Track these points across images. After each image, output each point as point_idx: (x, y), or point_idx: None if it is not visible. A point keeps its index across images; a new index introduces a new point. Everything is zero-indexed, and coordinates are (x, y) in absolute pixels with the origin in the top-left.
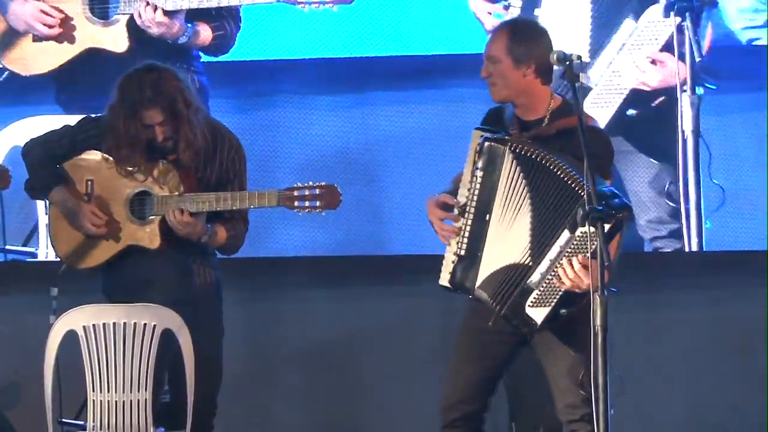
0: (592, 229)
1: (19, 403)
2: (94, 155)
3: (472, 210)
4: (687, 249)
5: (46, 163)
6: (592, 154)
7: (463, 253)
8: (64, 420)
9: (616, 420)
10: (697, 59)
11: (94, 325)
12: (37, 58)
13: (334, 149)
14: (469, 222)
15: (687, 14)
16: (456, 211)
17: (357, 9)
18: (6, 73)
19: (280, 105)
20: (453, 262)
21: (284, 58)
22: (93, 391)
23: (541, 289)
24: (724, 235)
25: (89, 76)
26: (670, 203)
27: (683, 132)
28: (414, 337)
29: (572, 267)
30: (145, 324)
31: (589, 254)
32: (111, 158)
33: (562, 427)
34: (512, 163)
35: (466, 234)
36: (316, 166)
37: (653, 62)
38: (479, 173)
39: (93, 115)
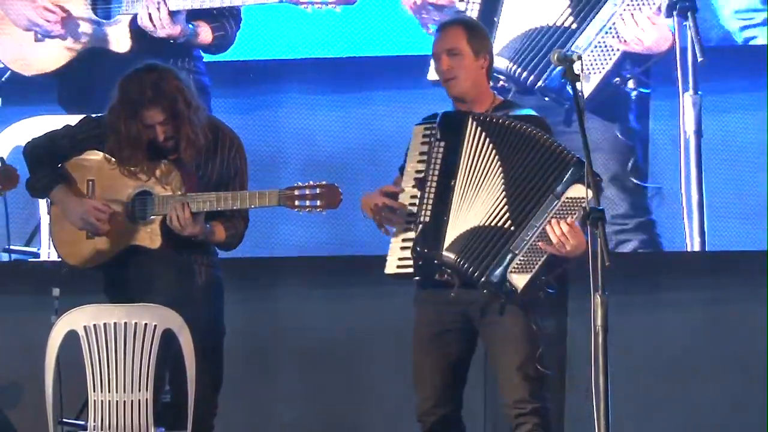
0: (581, 194)
1: (20, 402)
2: (95, 155)
3: (435, 179)
4: (689, 249)
5: (47, 162)
6: None
7: (427, 219)
8: (64, 420)
9: (616, 420)
10: (700, 59)
11: (95, 325)
12: (39, 59)
13: (337, 149)
14: (432, 189)
15: (689, 14)
16: (404, 195)
17: (360, 9)
18: (8, 72)
19: (283, 105)
20: (401, 248)
21: (287, 58)
22: (94, 391)
23: (525, 254)
24: (726, 236)
25: (91, 76)
26: (635, 180)
27: (685, 132)
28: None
29: (560, 228)
30: (146, 324)
31: (575, 219)
32: (113, 158)
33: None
34: (476, 128)
35: (430, 201)
36: (319, 165)
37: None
38: (439, 144)
39: (94, 115)
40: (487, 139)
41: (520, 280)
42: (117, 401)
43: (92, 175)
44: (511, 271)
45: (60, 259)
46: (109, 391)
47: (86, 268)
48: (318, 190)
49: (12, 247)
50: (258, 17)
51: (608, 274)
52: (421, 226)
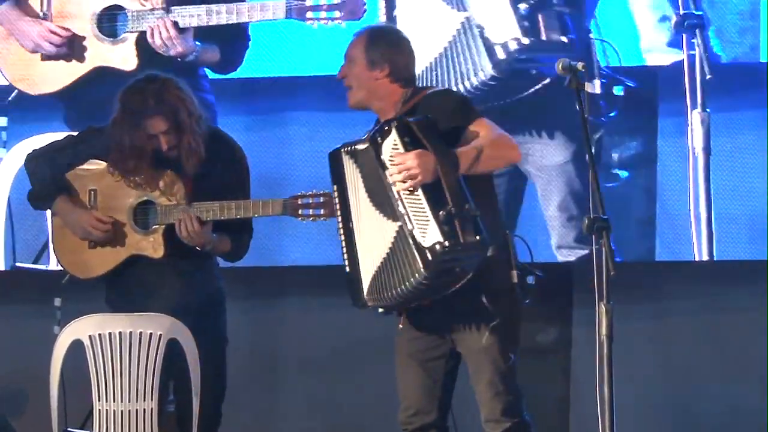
0: (395, 139)
1: (25, 412)
2: (96, 165)
3: (341, 225)
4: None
5: (48, 173)
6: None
7: (348, 270)
8: (69, 429)
9: (621, 429)
10: (708, 76)
11: (99, 334)
12: (45, 78)
13: None
14: (342, 237)
15: (697, 31)
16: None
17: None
18: (15, 92)
19: (290, 122)
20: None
21: (294, 75)
22: (99, 400)
23: (414, 221)
24: (735, 253)
25: (98, 95)
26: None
27: (693, 149)
28: None
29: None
30: (150, 333)
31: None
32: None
33: None
34: (350, 162)
35: (344, 250)
36: (327, 182)
37: None
38: (335, 188)
39: (95, 125)
40: (358, 170)
41: (434, 237)
42: (122, 411)
43: (94, 185)
44: (429, 246)
45: (62, 269)
46: (114, 401)
47: (89, 279)
48: (321, 199)
49: (19, 264)
50: (264, 34)
51: (612, 283)
52: (347, 278)
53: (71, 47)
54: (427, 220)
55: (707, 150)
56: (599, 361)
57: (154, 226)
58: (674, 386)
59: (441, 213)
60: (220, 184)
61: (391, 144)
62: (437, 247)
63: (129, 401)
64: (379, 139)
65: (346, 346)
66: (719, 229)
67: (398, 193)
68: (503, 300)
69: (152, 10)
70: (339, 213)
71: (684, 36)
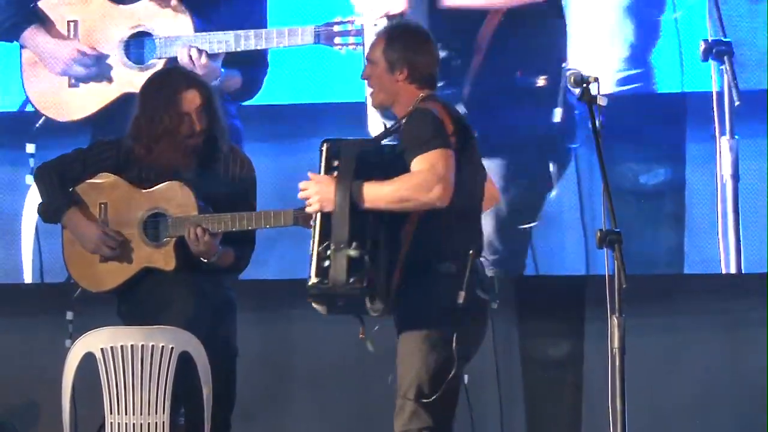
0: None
1: (37, 425)
2: (107, 178)
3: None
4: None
5: (58, 186)
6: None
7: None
8: None
9: None
10: (736, 103)
11: (111, 347)
12: (73, 104)
13: None
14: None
15: (725, 57)
16: None
17: None
18: (42, 118)
19: (315, 148)
20: None
21: (321, 102)
22: (110, 413)
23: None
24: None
25: (126, 122)
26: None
27: (722, 176)
28: None
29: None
30: (162, 346)
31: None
32: (127, 180)
33: None
34: None
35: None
36: None
37: None
38: None
39: (105, 139)
40: None
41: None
42: (134, 424)
43: (104, 198)
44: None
45: (73, 282)
46: (125, 414)
47: (101, 292)
48: None
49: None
50: (291, 60)
51: (625, 296)
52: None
53: (99, 71)
54: (312, 251)
55: (736, 177)
56: (611, 374)
57: (165, 239)
58: (688, 400)
59: (320, 248)
60: (228, 192)
61: (318, 161)
62: (308, 280)
63: (141, 414)
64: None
65: (357, 358)
66: (747, 251)
67: None
68: (444, 319)
69: (180, 36)
70: None
71: (712, 62)
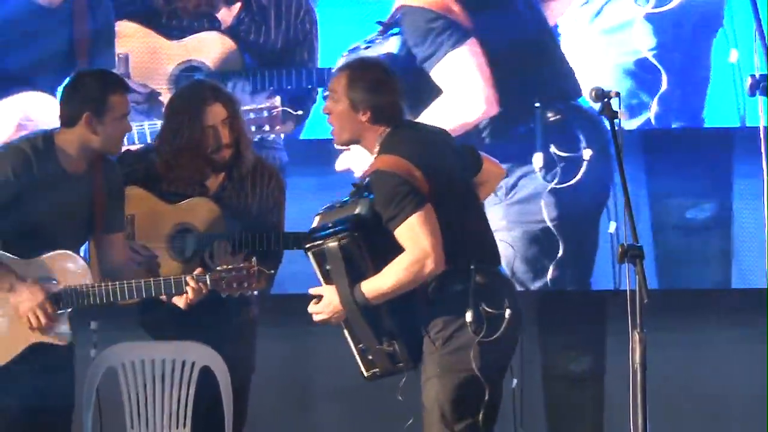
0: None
1: None
2: (135, 190)
3: None
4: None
5: None
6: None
7: None
8: None
9: None
10: None
11: (133, 362)
12: None
13: None
14: None
15: None
16: None
17: None
18: None
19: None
20: None
21: None
22: (132, 427)
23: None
24: None
25: None
26: None
27: None
28: None
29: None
30: (183, 361)
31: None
32: (155, 193)
33: None
34: None
35: None
36: None
37: None
38: None
39: (133, 148)
40: None
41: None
42: None
43: (132, 211)
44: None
45: None
46: (147, 428)
47: (126, 304)
48: None
49: None
50: None
51: (647, 311)
52: None
53: (151, 105)
54: (352, 348)
55: None
56: (633, 389)
57: (190, 254)
58: (709, 416)
59: (359, 347)
60: (257, 207)
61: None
62: (362, 372)
63: (162, 428)
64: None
65: None
66: None
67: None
68: (455, 339)
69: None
70: None
71: (760, 98)
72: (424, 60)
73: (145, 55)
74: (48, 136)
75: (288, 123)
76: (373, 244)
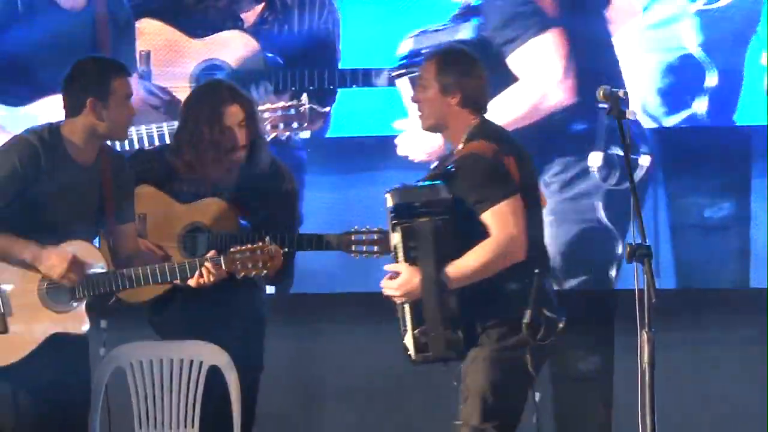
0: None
1: None
2: (146, 189)
3: None
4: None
5: None
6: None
7: None
8: None
9: None
10: None
11: (141, 361)
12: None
13: None
14: None
15: None
16: None
17: None
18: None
19: (379, 182)
20: None
21: (384, 135)
22: (140, 427)
23: (401, 324)
24: None
25: None
26: None
27: None
28: None
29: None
30: (192, 360)
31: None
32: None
33: None
34: None
35: None
36: None
37: None
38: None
39: (143, 149)
40: None
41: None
42: None
43: (143, 209)
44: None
45: None
46: (155, 427)
47: (135, 303)
48: (375, 236)
49: None
50: (355, 94)
51: (655, 311)
52: None
53: (168, 113)
54: (407, 330)
55: None
56: (641, 389)
57: (202, 253)
58: (719, 417)
59: (419, 329)
60: (273, 208)
61: (395, 242)
62: (410, 355)
63: (171, 428)
64: (391, 229)
65: (387, 375)
66: None
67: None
68: (510, 337)
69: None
70: None
71: None
72: (504, 44)
73: (167, 52)
74: (54, 127)
75: (316, 121)
76: (459, 230)
